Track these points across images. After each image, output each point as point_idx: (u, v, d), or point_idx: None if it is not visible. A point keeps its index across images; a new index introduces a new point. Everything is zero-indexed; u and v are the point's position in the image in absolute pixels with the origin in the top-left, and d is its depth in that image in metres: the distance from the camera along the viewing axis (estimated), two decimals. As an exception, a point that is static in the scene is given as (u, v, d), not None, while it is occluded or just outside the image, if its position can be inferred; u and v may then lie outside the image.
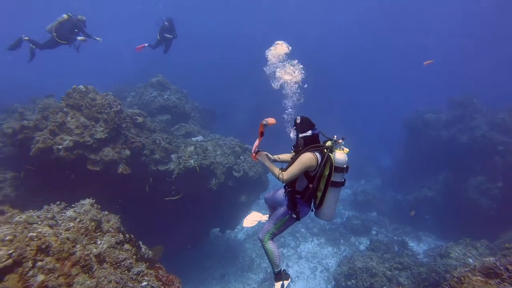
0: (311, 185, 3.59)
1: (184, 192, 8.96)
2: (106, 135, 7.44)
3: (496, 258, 4.89)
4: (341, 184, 3.60)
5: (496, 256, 6.33)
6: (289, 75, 4.07)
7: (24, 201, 7.44)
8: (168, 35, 11.17)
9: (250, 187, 10.61)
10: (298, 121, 3.73)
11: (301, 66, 4.13)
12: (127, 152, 7.83)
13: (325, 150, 3.53)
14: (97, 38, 9.48)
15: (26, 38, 8.95)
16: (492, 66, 39.53)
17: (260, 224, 4.84)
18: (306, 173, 3.54)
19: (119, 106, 8.00)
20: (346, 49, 42.34)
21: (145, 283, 4.42)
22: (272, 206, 4.35)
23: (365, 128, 31.41)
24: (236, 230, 13.51)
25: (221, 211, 10.69)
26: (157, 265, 5.09)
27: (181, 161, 8.82)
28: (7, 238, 3.67)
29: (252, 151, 3.83)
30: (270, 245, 3.97)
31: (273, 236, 3.98)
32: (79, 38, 8.84)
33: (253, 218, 4.98)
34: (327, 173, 3.49)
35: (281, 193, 4.11)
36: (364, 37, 44.39)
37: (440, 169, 16.75)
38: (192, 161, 8.81)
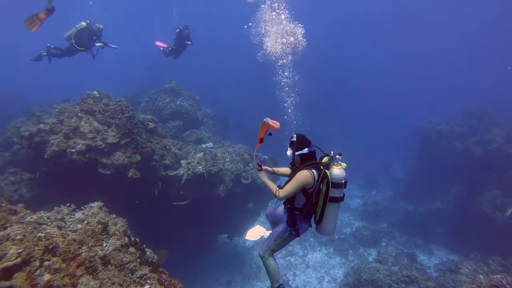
0: (309, 202, 3.64)
1: (192, 197, 9.09)
2: (117, 139, 7.66)
3: (503, 276, 4.80)
4: (340, 199, 3.65)
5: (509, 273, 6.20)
6: (290, 36, 4.20)
7: (38, 201, 7.71)
8: (189, 42, 11.43)
9: (258, 195, 10.66)
10: (294, 139, 3.77)
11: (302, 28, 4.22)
12: (138, 157, 8.02)
13: (322, 167, 3.56)
14: (114, 46, 9.79)
15: (45, 53, 9.36)
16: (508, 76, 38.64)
17: (262, 238, 4.89)
18: (304, 190, 3.59)
19: (131, 112, 8.22)
20: (355, 54, 42.06)
21: (147, 286, 4.52)
22: (273, 222, 4.40)
23: (377, 137, 31.09)
24: (244, 237, 13.54)
25: (229, 218, 10.78)
26: (160, 269, 5.19)
27: (190, 167, 8.97)
28: (18, 237, 3.84)
29: (253, 158, 3.95)
30: (271, 262, 4.02)
31: (273, 252, 4.04)
32: (97, 44, 9.15)
33: (257, 232, 5.04)
34: (325, 190, 3.54)
35: (281, 209, 4.19)
36: (373, 43, 44.12)
37: (453, 181, 16.42)
38: (200, 167, 8.95)
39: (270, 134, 3.75)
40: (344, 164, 3.60)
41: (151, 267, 4.93)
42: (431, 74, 45.07)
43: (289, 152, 3.79)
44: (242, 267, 12.23)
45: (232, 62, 35.75)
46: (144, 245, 5.43)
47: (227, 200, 9.73)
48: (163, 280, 4.91)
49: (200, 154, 9.44)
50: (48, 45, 9.39)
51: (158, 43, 11.81)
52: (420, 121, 20.26)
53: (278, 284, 4.12)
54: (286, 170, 4.12)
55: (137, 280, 4.53)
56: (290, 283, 11.62)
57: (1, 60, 37.48)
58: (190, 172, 8.85)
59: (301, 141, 3.74)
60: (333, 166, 3.55)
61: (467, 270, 8.69)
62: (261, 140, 3.72)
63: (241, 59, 35.96)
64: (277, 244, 3.96)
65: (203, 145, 11.26)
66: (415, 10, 39.69)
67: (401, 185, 21.38)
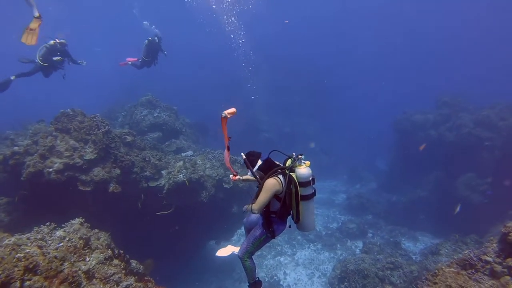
0: (283, 205, 3.75)
1: (176, 206, 9.14)
2: (95, 155, 7.66)
3: (471, 250, 5.09)
4: (312, 195, 3.76)
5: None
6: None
7: (18, 225, 7.58)
8: (165, 52, 11.44)
9: (241, 198, 10.79)
10: (244, 158, 3.86)
11: None
12: (117, 171, 8.04)
13: (286, 171, 3.68)
14: (82, 63, 9.72)
15: (13, 77, 9.14)
16: (480, 64, 40.27)
17: (233, 254, 4.97)
18: (276, 196, 3.70)
19: (107, 127, 8.24)
20: (331, 51, 42.89)
21: (134, 296, 4.58)
22: (249, 229, 4.46)
23: (359, 132, 31.76)
24: (233, 241, 13.61)
25: (214, 223, 10.85)
26: (146, 278, 5.25)
27: (171, 176, 9.03)
28: (-4, 260, 3.84)
29: (226, 163, 4.06)
30: (249, 263, 4.14)
31: (251, 255, 4.15)
32: (54, 58, 8.89)
33: (228, 250, 5.15)
34: (294, 191, 3.66)
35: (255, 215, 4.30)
36: (349, 39, 45.10)
37: (431, 169, 16.98)
38: (181, 175, 9.02)
39: (230, 138, 3.81)
40: (308, 162, 3.70)
41: (136, 277, 4.99)
42: (406, 66, 46.49)
43: (249, 173, 3.89)
44: (232, 272, 12.28)
45: (206, 69, 35.85)
46: (128, 256, 5.48)
47: (211, 205, 9.81)
48: (149, 289, 4.98)
49: (180, 163, 9.52)
50: (12, 77, 9.15)
51: (122, 63, 11.74)
52: (396, 113, 20.87)
53: (255, 280, 4.25)
54: (249, 176, 4.22)
55: (123, 291, 4.59)
56: (281, 283, 11.75)
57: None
58: (171, 182, 8.91)
59: (251, 157, 3.85)
60: (298, 167, 3.65)
61: (446, 250, 9.07)
62: (229, 138, 3.81)
63: (214, 65, 36.21)
64: (254, 246, 4.07)
65: (183, 154, 11.32)
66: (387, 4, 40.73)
67: (383, 177, 21.95)
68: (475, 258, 4.79)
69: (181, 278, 10.83)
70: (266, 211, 3.84)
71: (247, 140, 21.17)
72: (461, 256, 5.20)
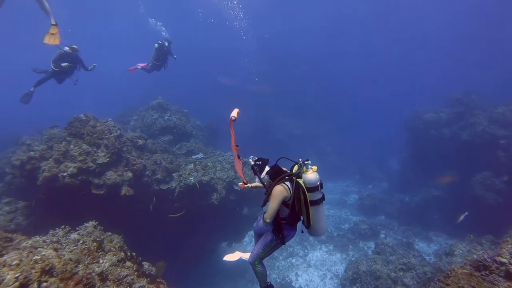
0: (292, 211, 3.76)
1: (187, 208, 9.24)
2: (108, 159, 7.82)
3: (484, 251, 5.02)
4: (321, 200, 3.75)
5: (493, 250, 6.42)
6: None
7: (35, 228, 7.82)
8: (174, 56, 11.54)
9: (252, 199, 10.84)
10: (253, 163, 3.88)
11: None
12: (129, 174, 8.19)
13: (293, 178, 3.69)
14: (92, 67, 9.88)
15: (33, 89, 9.43)
16: (490, 60, 39.37)
17: (240, 259, 5.04)
18: (284, 203, 3.70)
19: (118, 131, 8.40)
20: (340, 50, 42.66)
21: (146, 297, 4.68)
22: (259, 233, 4.47)
23: (370, 133, 31.51)
24: (244, 243, 13.69)
25: (226, 225, 10.92)
26: (158, 280, 5.34)
27: (181, 179, 9.14)
28: (14, 262, 3.99)
29: (238, 172, 4.11)
30: (260, 268, 4.18)
31: (261, 260, 4.19)
32: (62, 64, 9.07)
33: (235, 256, 5.19)
34: (303, 197, 3.67)
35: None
36: (357, 39, 44.75)
37: (445, 168, 16.70)
38: (192, 178, 9.12)
39: (237, 146, 3.81)
40: (315, 167, 3.71)
41: (148, 279, 5.09)
42: (416, 64, 45.85)
43: (257, 180, 3.93)
44: (244, 273, 12.33)
45: (220, 70, 36.02)
46: (140, 258, 5.58)
47: (221, 208, 9.88)
48: (161, 290, 5.07)
49: (191, 166, 9.62)
50: (32, 89, 9.46)
51: (131, 69, 11.86)
52: (408, 111, 20.61)
53: (266, 285, 4.27)
54: (258, 184, 4.26)
55: (136, 292, 4.69)
56: (293, 284, 11.75)
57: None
58: (182, 184, 9.02)
59: (259, 164, 3.87)
60: (305, 172, 3.65)
61: (461, 251, 8.92)
62: (236, 147, 3.84)
63: (228, 67, 36.40)
64: (265, 252, 4.10)
65: (194, 157, 11.42)
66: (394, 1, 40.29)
67: (396, 176, 21.69)
68: (489, 260, 4.71)
69: (193, 280, 10.94)
70: (275, 217, 3.83)
71: (257, 142, 21.24)
72: (475, 257, 5.13)
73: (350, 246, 14.11)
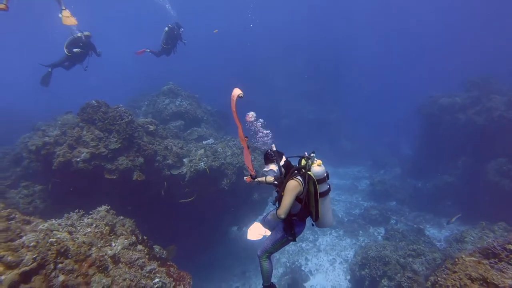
0: (304, 206, 3.75)
1: (198, 193, 9.38)
2: (119, 145, 7.96)
3: (494, 239, 4.98)
4: (328, 191, 3.78)
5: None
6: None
7: (52, 211, 8.08)
8: (184, 41, 11.48)
9: (261, 185, 10.89)
10: (272, 152, 3.79)
11: None
12: (141, 159, 8.32)
13: (303, 170, 3.67)
14: (98, 51, 10.02)
15: (50, 69, 9.69)
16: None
17: (264, 238, 5.02)
18: (297, 198, 3.68)
19: (130, 117, 8.50)
20: (351, 37, 41.57)
21: (157, 279, 4.83)
22: (271, 227, 4.47)
23: (382, 118, 31.04)
24: (246, 236, 13.88)
25: (236, 210, 11.06)
26: (168, 263, 5.50)
27: (192, 164, 9.24)
28: (31, 244, 4.16)
29: (247, 164, 4.08)
30: (266, 264, 4.18)
31: (270, 255, 4.17)
32: (74, 50, 9.29)
33: (258, 231, 5.14)
34: (313, 190, 3.67)
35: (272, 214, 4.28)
36: (368, 23, 43.45)
37: (459, 154, 16.42)
38: (202, 163, 9.22)
39: (246, 137, 3.80)
40: (319, 161, 3.72)
41: (159, 262, 5.24)
42: (429, 47, 44.48)
43: (274, 167, 3.77)
44: (255, 257, 12.49)
45: (231, 55, 35.77)
46: (151, 242, 5.74)
47: (232, 193, 9.99)
48: (172, 273, 5.22)
49: (201, 151, 9.71)
50: (50, 70, 9.73)
51: (138, 52, 11.80)
52: (422, 97, 20.16)
53: (269, 283, 4.28)
54: (270, 178, 4.18)
55: (147, 274, 4.84)
56: (302, 268, 11.91)
57: (7, 82, 38.61)
58: (192, 169, 9.13)
59: (278, 153, 3.83)
60: (312, 165, 3.67)
61: (472, 238, 8.84)
62: (245, 138, 3.79)
63: (240, 51, 36.05)
64: (274, 248, 4.09)
65: (204, 142, 11.51)
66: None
67: (408, 162, 21.45)
68: (498, 247, 4.68)
69: (204, 263, 11.19)
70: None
71: (267, 128, 21.18)
72: (485, 244, 5.10)
73: (360, 232, 14.16)
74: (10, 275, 3.73)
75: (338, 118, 28.56)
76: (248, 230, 5.18)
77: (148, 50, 11.68)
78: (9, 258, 3.87)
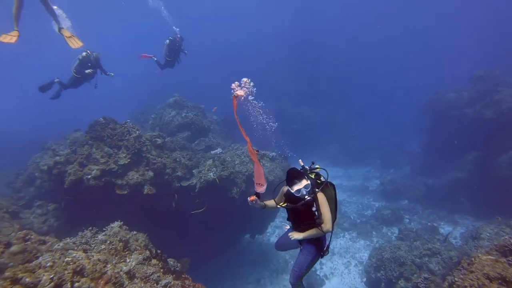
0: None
1: (209, 204, 9.42)
2: (128, 160, 8.06)
3: (511, 235, 4.90)
4: None
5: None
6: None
7: (66, 229, 8.21)
8: (186, 52, 11.46)
9: (272, 191, 10.89)
10: (301, 167, 3.78)
11: None
12: (150, 173, 8.42)
13: (318, 181, 3.73)
14: (110, 74, 10.04)
15: (57, 80, 9.73)
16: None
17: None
18: None
19: (137, 132, 8.61)
20: (354, 36, 41.55)
21: (172, 293, 4.85)
22: (288, 249, 4.47)
23: (389, 116, 30.81)
24: (267, 234, 13.86)
25: (248, 218, 11.05)
26: (183, 276, 5.52)
27: (201, 175, 9.30)
28: (48, 264, 4.24)
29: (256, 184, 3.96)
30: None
31: (302, 277, 3.99)
32: (86, 71, 9.35)
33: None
34: (333, 192, 3.74)
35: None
36: (371, 21, 43.36)
37: (469, 149, 16.20)
38: (211, 174, 9.26)
39: (257, 151, 3.78)
40: (317, 166, 3.88)
41: (174, 275, 5.27)
42: (434, 43, 44.18)
43: (305, 181, 3.59)
44: (269, 264, 12.50)
45: (230, 63, 35.94)
46: (165, 255, 5.78)
47: (242, 201, 9.99)
48: (187, 286, 5.24)
49: (210, 161, 9.76)
50: (56, 80, 9.76)
51: (143, 55, 11.75)
52: (428, 93, 20.02)
53: None
54: (271, 202, 4.20)
55: (162, 288, 4.87)
56: (317, 273, 11.82)
57: (16, 104, 39.53)
58: (202, 180, 9.18)
59: (304, 168, 3.84)
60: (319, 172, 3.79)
61: (488, 234, 8.70)
62: (256, 151, 3.78)
63: (241, 58, 36.22)
64: (307, 270, 3.92)
65: (212, 152, 11.57)
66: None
67: (418, 160, 21.19)
68: (515, 244, 4.62)
69: (218, 272, 11.19)
70: None
71: (274, 134, 21.17)
72: (501, 241, 5.02)
73: (374, 233, 14.02)
74: (29, 297, 3.80)
75: (344, 119, 28.49)
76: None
77: (155, 59, 11.64)
78: (27, 279, 3.95)
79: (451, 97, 17.26)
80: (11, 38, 6.91)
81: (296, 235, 3.71)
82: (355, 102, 30.89)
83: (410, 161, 22.45)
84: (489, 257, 4.52)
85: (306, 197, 3.57)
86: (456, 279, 4.70)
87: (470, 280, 4.37)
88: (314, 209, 3.61)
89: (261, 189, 3.93)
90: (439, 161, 18.19)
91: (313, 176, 3.78)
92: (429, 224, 13.95)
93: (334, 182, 3.96)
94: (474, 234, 9.12)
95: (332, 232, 3.79)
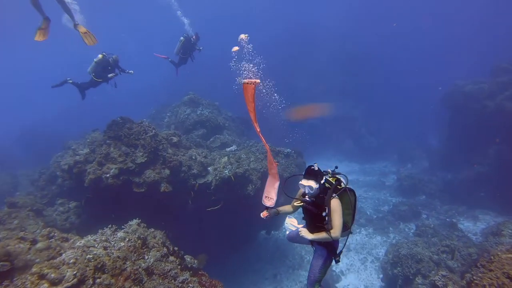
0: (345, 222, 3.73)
1: (224, 200, 9.53)
2: (145, 158, 8.24)
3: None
4: None
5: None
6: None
7: (87, 226, 8.49)
8: (200, 48, 11.40)
9: (288, 189, 10.91)
10: (316, 169, 3.74)
11: None
12: (167, 171, 8.57)
13: (339, 186, 3.71)
14: (129, 71, 10.15)
15: (70, 81, 9.95)
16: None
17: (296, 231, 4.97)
18: None
19: (153, 131, 8.78)
20: (371, 30, 40.68)
21: (190, 289, 4.97)
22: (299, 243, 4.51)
23: (406, 110, 30.19)
24: (283, 230, 13.89)
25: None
26: (200, 272, 5.65)
27: (217, 172, 9.41)
28: (71, 261, 4.41)
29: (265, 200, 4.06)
30: None
31: (320, 283, 4.06)
32: (109, 75, 9.52)
33: (292, 223, 5.16)
34: (352, 198, 3.74)
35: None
36: (390, 15, 42.36)
37: (490, 142, 15.75)
38: (227, 171, 9.35)
39: (277, 163, 3.88)
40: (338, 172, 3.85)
41: (191, 272, 5.40)
42: (452, 34, 42.84)
43: (314, 184, 3.68)
44: (285, 259, 12.57)
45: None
46: (182, 252, 5.91)
47: (258, 198, 10.05)
48: (204, 282, 5.36)
49: (225, 159, 9.86)
50: (69, 80, 9.94)
51: (160, 55, 11.81)
52: (446, 86, 19.50)
53: None
54: (286, 207, 4.28)
55: (180, 285, 5.01)
56: (333, 269, 11.81)
57: (37, 103, 40.77)
58: (217, 178, 9.29)
59: (320, 171, 3.79)
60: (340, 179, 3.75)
61: (510, 231, 8.48)
62: (276, 163, 3.82)
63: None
64: (323, 274, 4.01)
65: (227, 149, 11.67)
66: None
67: (437, 154, 20.76)
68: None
69: (234, 270, 11.32)
70: None
71: (290, 129, 21.09)
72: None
73: (391, 228, 13.88)
74: (55, 292, 3.98)
75: (361, 113, 28.12)
76: (287, 217, 5.12)
77: (170, 60, 11.73)
78: (53, 275, 4.13)
79: (471, 89, 16.78)
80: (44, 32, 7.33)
81: (305, 234, 3.75)
82: (372, 97, 30.34)
83: (428, 155, 22.05)
84: (510, 255, 4.44)
85: (307, 198, 3.75)
86: (474, 277, 4.64)
87: (489, 279, 4.31)
88: (325, 214, 3.65)
89: (270, 203, 4.14)
90: (458, 155, 17.76)
91: (333, 181, 3.77)
92: (447, 220, 13.71)
93: (350, 177, 3.98)
94: (495, 231, 8.92)
95: (346, 239, 3.85)
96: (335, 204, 3.56)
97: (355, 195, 3.72)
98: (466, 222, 13.78)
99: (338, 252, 3.91)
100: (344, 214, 3.66)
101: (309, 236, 3.72)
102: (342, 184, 3.72)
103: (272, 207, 4.16)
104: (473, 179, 15.65)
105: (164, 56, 11.73)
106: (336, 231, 3.51)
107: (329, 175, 3.82)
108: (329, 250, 3.90)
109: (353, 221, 3.81)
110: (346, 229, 3.81)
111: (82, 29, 7.82)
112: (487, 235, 9.55)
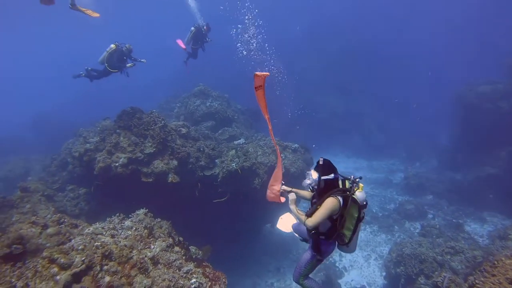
0: (335, 226, 3.67)
1: (231, 193, 9.62)
2: (154, 149, 8.36)
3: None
4: (362, 218, 3.76)
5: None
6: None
7: (95, 213, 8.69)
8: (209, 39, 11.34)
9: (293, 183, 10.95)
10: (321, 162, 3.74)
11: None
12: (175, 162, 8.68)
13: (348, 193, 3.63)
14: (142, 60, 10.18)
15: (83, 74, 10.10)
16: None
17: (291, 233, 5.02)
18: (329, 217, 3.62)
19: (163, 122, 8.88)
20: (382, 26, 40.02)
21: (194, 280, 5.08)
22: (300, 235, 4.54)
23: (417, 108, 29.73)
24: (276, 225, 13.98)
25: (268, 208, 11.20)
26: (204, 264, 5.75)
27: (224, 165, 9.49)
28: (80, 247, 4.55)
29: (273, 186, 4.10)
30: (307, 283, 4.14)
31: (306, 277, 4.11)
32: (128, 65, 9.62)
33: (288, 222, 5.20)
34: (356, 214, 3.66)
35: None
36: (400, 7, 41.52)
37: (502, 144, 15.50)
38: (234, 164, 9.42)
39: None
40: (361, 185, 3.71)
41: (195, 263, 5.50)
42: (464, 31, 41.83)
43: (314, 175, 3.73)
44: (289, 254, 12.67)
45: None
46: (187, 243, 6.02)
47: (264, 191, 10.10)
48: (208, 273, 5.46)
49: (232, 152, 9.93)
50: (87, 67, 10.08)
51: (179, 42, 11.68)
52: (459, 85, 19.15)
53: None
54: (306, 193, 4.22)
55: (184, 275, 5.11)
56: (336, 264, 11.89)
57: (51, 89, 41.35)
58: (225, 170, 9.37)
59: (328, 166, 3.74)
60: (355, 190, 3.66)
61: (516, 235, 8.43)
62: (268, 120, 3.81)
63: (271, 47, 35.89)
64: (307, 270, 4.04)
65: (235, 142, 11.73)
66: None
67: (446, 154, 20.48)
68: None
69: (239, 262, 11.45)
70: (315, 232, 3.76)
71: (299, 123, 21.03)
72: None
73: (396, 227, 13.86)
74: (64, 276, 4.12)
75: (370, 109, 27.86)
76: (280, 219, 5.20)
77: (187, 51, 11.67)
78: (62, 260, 4.28)
79: (484, 89, 16.46)
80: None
81: (291, 201, 3.86)
82: (382, 93, 30.00)
83: (437, 155, 21.76)
84: (512, 260, 4.43)
85: (307, 182, 3.79)
86: (476, 281, 4.64)
87: (491, 284, 4.31)
88: (315, 201, 3.78)
89: (275, 195, 4.35)
90: (469, 156, 17.53)
91: (347, 186, 3.74)
92: (454, 220, 13.61)
93: (357, 174, 3.97)
94: (502, 234, 8.84)
95: (346, 251, 3.95)
96: (329, 201, 3.52)
97: (359, 208, 3.67)
98: (473, 223, 13.68)
99: (322, 252, 3.85)
100: (346, 223, 3.66)
101: (292, 205, 3.82)
102: (355, 195, 3.63)
103: (288, 191, 4.15)
104: (483, 180, 15.45)
105: (184, 47, 11.66)
106: (312, 220, 3.49)
107: (350, 180, 3.75)
108: (313, 247, 3.89)
109: (351, 238, 3.71)
110: (342, 242, 3.76)
111: (80, 8, 7.96)
112: (494, 238, 9.47)
